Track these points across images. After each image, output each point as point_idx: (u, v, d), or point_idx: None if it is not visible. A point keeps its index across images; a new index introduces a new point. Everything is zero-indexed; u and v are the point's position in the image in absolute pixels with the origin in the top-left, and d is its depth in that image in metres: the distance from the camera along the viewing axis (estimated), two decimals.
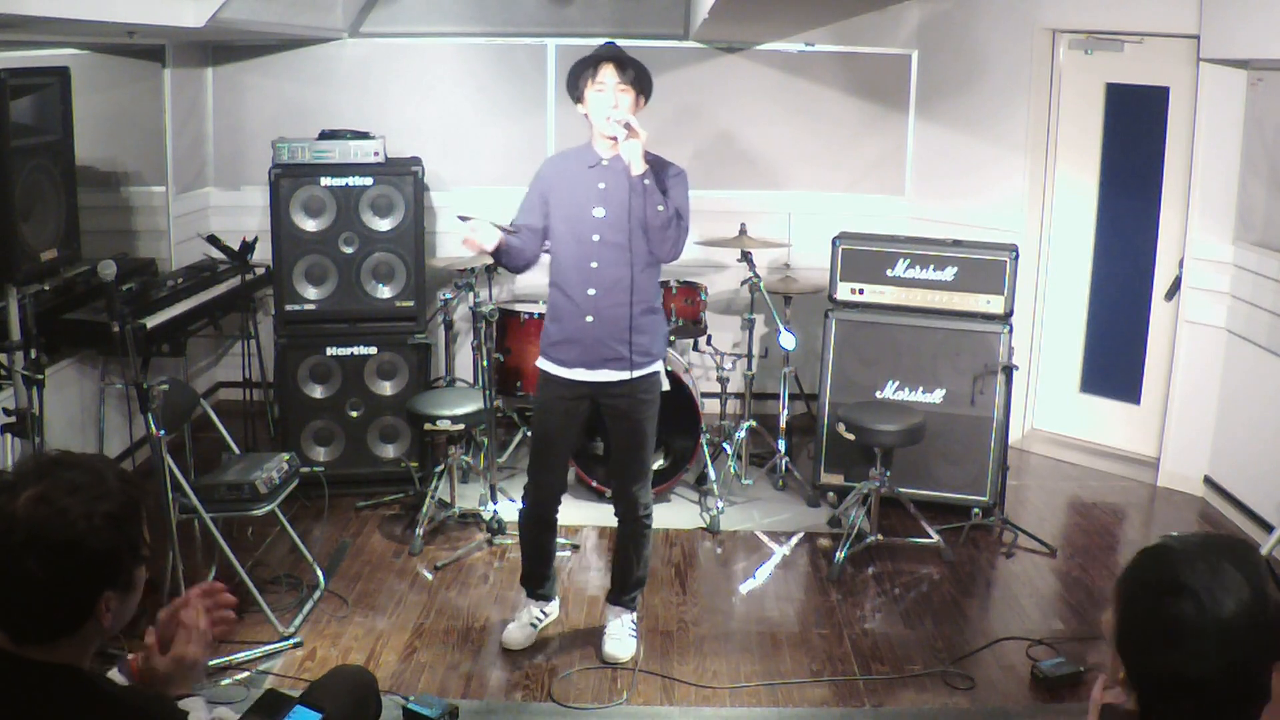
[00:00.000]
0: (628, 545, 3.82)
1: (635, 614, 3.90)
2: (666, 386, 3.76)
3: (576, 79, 3.55)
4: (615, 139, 3.47)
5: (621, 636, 3.82)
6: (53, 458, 1.71)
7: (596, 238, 3.54)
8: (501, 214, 5.67)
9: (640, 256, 3.54)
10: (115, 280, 3.50)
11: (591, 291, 3.55)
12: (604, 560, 4.49)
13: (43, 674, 1.64)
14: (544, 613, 3.94)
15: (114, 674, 1.91)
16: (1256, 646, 1.48)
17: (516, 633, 3.86)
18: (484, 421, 4.62)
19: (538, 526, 3.85)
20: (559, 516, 3.88)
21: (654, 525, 4.48)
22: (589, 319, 3.56)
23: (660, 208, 3.43)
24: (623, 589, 3.86)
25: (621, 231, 3.51)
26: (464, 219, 3.50)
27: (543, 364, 3.69)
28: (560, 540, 4.56)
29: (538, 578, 3.91)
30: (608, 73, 3.48)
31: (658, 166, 3.53)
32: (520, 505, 3.86)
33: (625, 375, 3.58)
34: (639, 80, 3.53)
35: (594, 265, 3.54)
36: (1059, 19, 5.46)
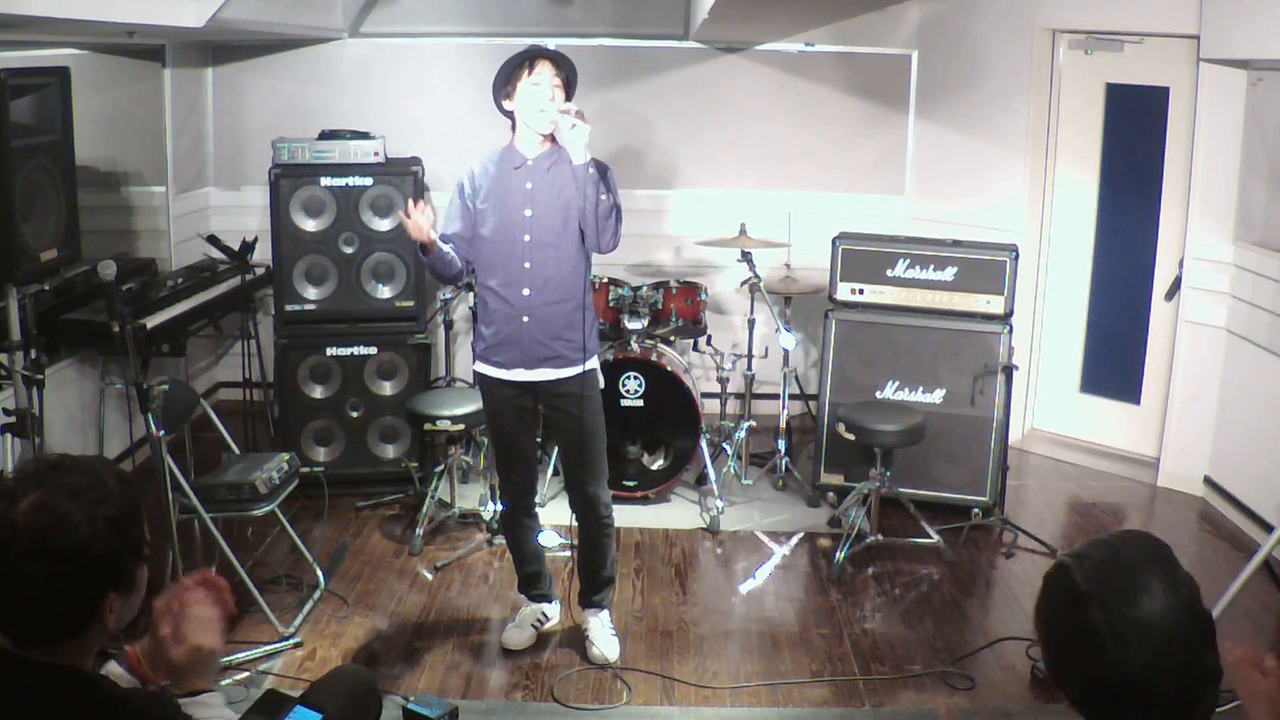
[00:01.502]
0: (591, 548, 3.80)
1: (609, 611, 3.89)
2: (602, 384, 3.75)
3: (508, 77, 3.54)
4: (549, 135, 3.51)
5: (605, 636, 3.82)
6: (51, 462, 1.70)
7: (527, 238, 3.53)
8: None
9: (570, 254, 3.55)
10: (115, 280, 3.50)
11: (526, 292, 3.54)
12: None
13: (45, 676, 1.64)
14: (545, 615, 3.94)
15: (113, 667, 1.91)
16: (1179, 634, 1.49)
17: (516, 634, 3.86)
18: (483, 421, 4.61)
19: (519, 526, 3.85)
20: (539, 511, 3.92)
21: (653, 525, 4.51)
22: (525, 319, 3.55)
23: (604, 196, 3.44)
24: (593, 589, 3.86)
25: (550, 230, 3.52)
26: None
27: (480, 368, 3.66)
28: (561, 540, 4.58)
29: (533, 579, 3.91)
30: (545, 68, 3.49)
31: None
32: (500, 510, 3.87)
33: (565, 373, 3.59)
34: (570, 80, 3.55)
35: (527, 265, 3.53)
36: (1059, 19, 5.46)
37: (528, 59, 3.50)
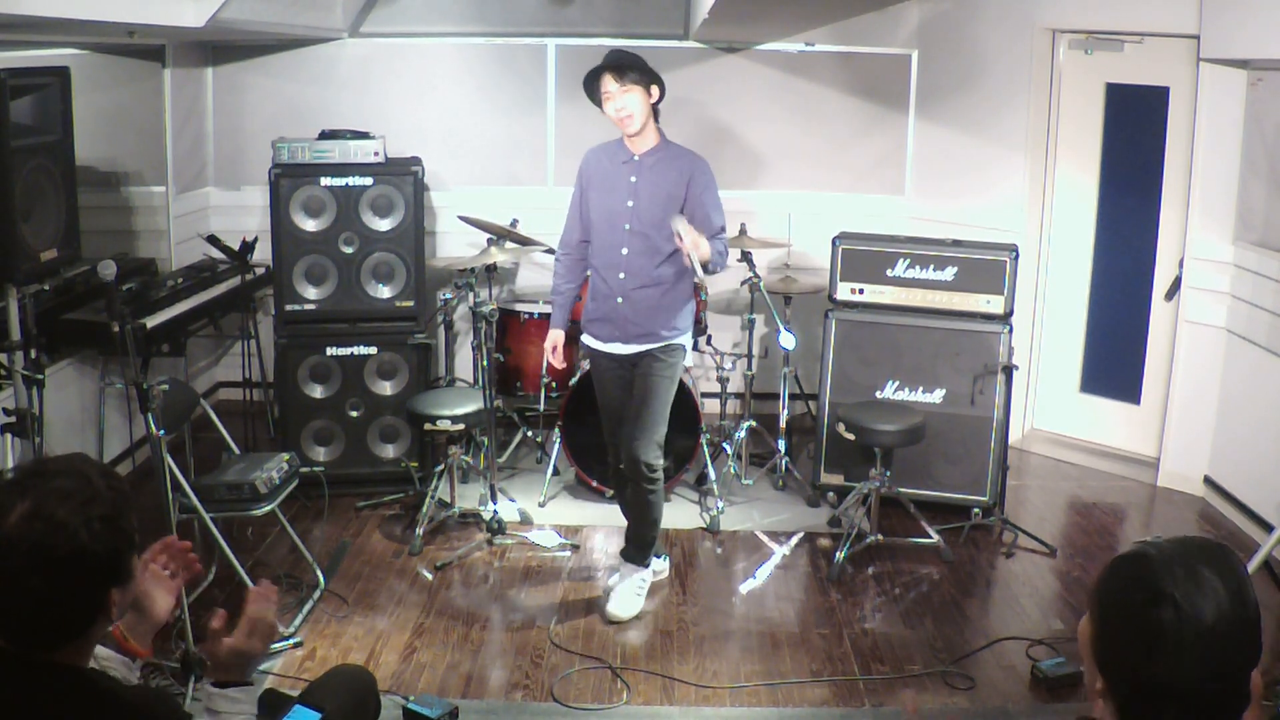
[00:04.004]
0: (635, 503, 4.08)
1: (648, 573, 4.14)
2: (689, 361, 4.03)
3: (590, 94, 3.91)
4: (645, 134, 3.90)
5: (627, 595, 4.00)
6: (32, 469, 1.67)
7: (627, 227, 3.88)
8: (499, 214, 5.68)
9: (666, 245, 3.86)
10: (115, 280, 3.50)
11: (621, 276, 3.92)
12: (605, 561, 4.49)
13: (46, 675, 1.64)
14: (654, 570, 4.21)
15: (100, 648, 1.90)
16: (1236, 652, 1.47)
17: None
18: (484, 421, 4.62)
19: (626, 487, 4.12)
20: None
21: None
22: (619, 300, 3.91)
23: (707, 264, 3.80)
24: (632, 545, 4.12)
25: (649, 223, 3.86)
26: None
27: (585, 338, 4.08)
28: (561, 540, 4.59)
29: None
30: (606, 81, 3.83)
31: (683, 165, 3.88)
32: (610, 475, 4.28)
33: (657, 345, 3.96)
34: (642, 77, 3.83)
35: (624, 252, 3.90)
36: (1059, 19, 5.46)
37: (594, 76, 3.84)
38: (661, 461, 4.01)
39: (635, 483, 3.99)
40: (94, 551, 1.62)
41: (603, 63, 3.85)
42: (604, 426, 4.18)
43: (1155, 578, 1.48)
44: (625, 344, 3.97)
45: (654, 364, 3.95)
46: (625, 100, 3.81)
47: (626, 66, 3.81)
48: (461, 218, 5.43)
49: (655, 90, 3.88)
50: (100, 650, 1.90)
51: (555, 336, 4.13)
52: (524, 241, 5.25)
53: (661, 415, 3.98)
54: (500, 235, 5.21)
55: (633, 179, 3.90)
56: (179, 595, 2.09)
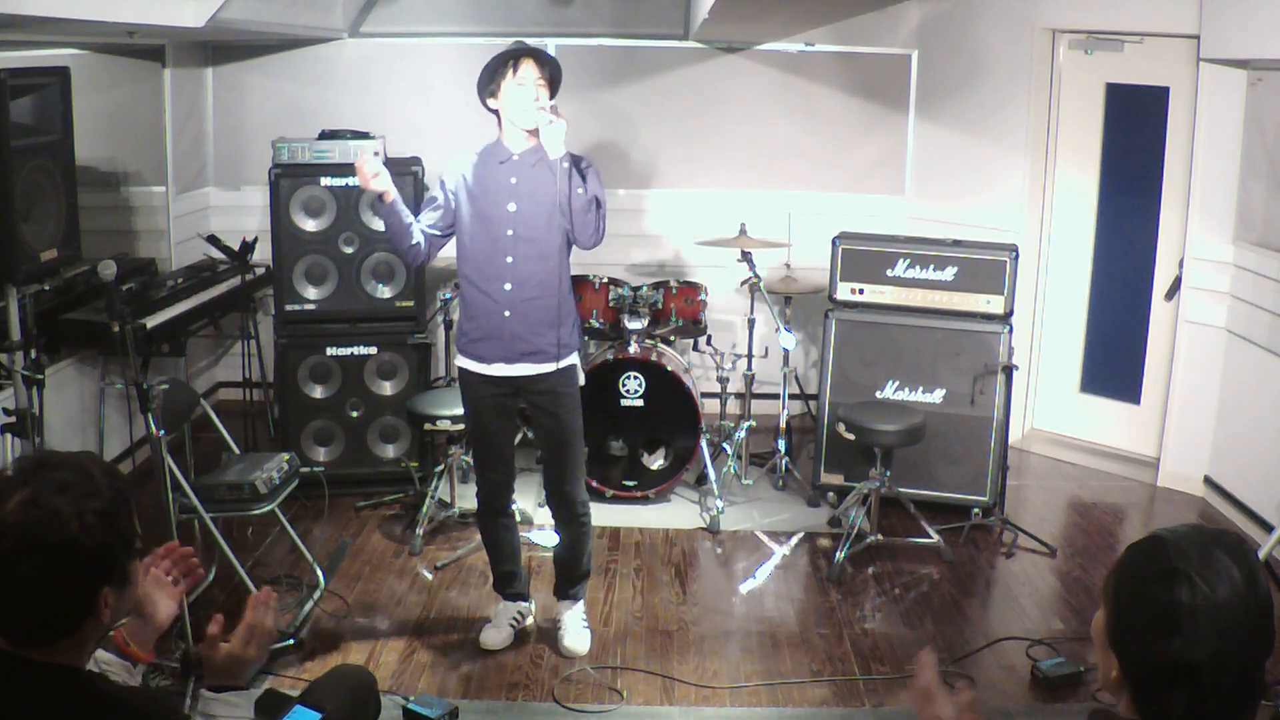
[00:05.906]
0: (570, 544, 3.86)
1: (584, 604, 3.95)
2: (582, 381, 3.76)
3: (492, 75, 3.53)
4: (534, 131, 3.49)
5: (577, 629, 3.86)
6: (38, 459, 1.69)
7: (510, 232, 3.53)
8: None
9: (553, 250, 3.55)
10: (115, 280, 3.50)
11: (508, 286, 3.54)
12: (603, 561, 4.49)
13: (42, 675, 1.64)
14: (522, 614, 3.93)
15: (100, 652, 1.90)
16: (1249, 634, 1.48)
17: (494, 634, 3.85)
18: None
19: (495, 525, 3.87)
20: (515, 510, 3.95)
21: (653, 525, 4.52)
22: (506, 314, 3.55)
23: (580, 190, 3.45)
24: (570, 584, 3.91)
25: (534, 226, 3.52)
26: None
27: (461, 362, 3.66)
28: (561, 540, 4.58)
29: (508, 578, 3.92)
30: (529, 67, 3.49)
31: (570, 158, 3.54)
32: (476, 508, 3.90)
33: (544, 368, 3.60)
34: (554, 77, 3.56)
35: (509, 260, 3.54)
36: (1059, 19, 5.46)
37: (511, 58, 3.50)
38: (586, 493, 3.86)
39: (567, 522, 3.82)
40: (85, 544, 1.62)
41: (523, 48, 3.50)
42: (476, 459, 3.85)
43: (1169, 558, 1.50)
44: (510, 363, 3.58)
45: (560, 399, 3.64)
46: (541, 94, 3.46)
47: (547, 62, 3.52)
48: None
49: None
50: (101, 654, 1.90)
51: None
52: None
53: (582, 450, 3.76)
54: None
55: (513, 180, 3.52)
56: (180, 600, 2.09)
